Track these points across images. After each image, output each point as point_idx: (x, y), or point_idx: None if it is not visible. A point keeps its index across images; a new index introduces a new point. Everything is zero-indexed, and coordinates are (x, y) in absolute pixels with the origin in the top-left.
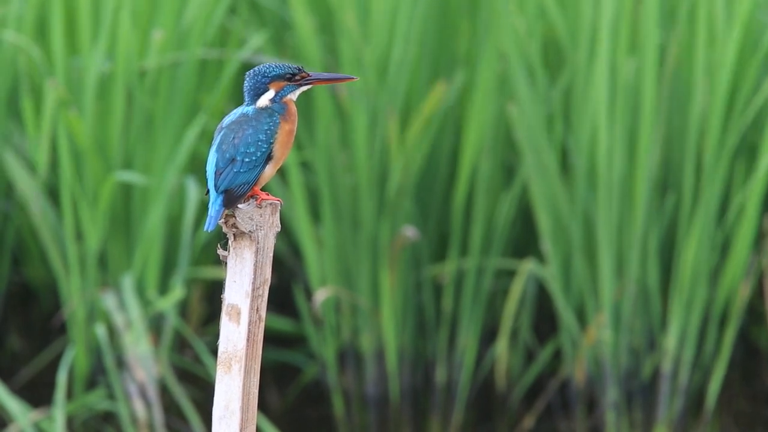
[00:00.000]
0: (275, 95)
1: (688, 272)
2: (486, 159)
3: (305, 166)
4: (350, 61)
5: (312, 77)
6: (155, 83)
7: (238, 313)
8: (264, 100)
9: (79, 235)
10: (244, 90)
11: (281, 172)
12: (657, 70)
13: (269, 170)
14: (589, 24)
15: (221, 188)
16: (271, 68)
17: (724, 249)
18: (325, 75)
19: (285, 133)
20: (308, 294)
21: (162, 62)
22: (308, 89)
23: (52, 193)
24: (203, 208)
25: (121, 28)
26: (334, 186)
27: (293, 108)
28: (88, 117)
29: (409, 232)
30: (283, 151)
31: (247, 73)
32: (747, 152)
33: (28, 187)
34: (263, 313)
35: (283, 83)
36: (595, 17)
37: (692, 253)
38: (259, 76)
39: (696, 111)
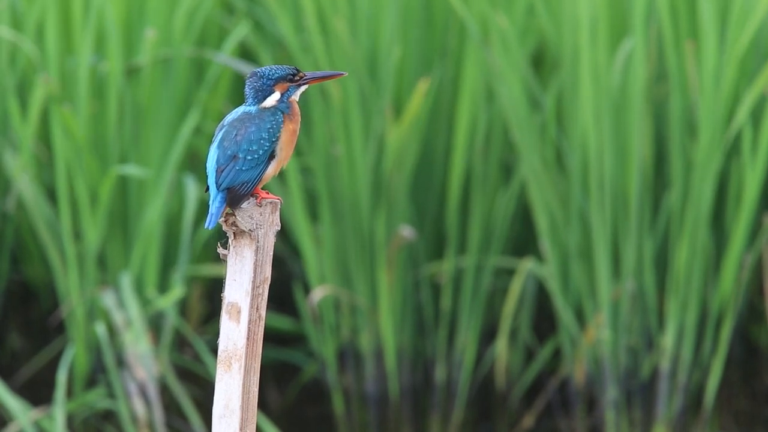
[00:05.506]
0: (281, 96)
1: (682, 271)
2: (480, 157)
3: (303, 165)
4: (341, 61)
5: (308, 77)
6: (148, 80)
7: (238, 312)
8: (271, 101)
9: (78, 234)
10: (246, 91)
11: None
12: (644, 67)
13: (271, 169)
14: (571, 23)
15: (222, 186)
16: (274, 70)
17: (720, 246)
18: (319, 73)
19: (288, 132)
20: (308, 293)
21: (154, 58)
22: (306, 89)
23: (50, 192)
24: (202, 205)
25: (112, 25)
26: (332, 184)
27: (297, 108)
28: (82, 114)
29: (406, 231)
30: (286, 151)
31: (250, 73)
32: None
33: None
34: (263, 311)
35: (287, 84)
36: (576, 15)
37: (685, 251)
38: (264, 79)
39: (681, 107)
